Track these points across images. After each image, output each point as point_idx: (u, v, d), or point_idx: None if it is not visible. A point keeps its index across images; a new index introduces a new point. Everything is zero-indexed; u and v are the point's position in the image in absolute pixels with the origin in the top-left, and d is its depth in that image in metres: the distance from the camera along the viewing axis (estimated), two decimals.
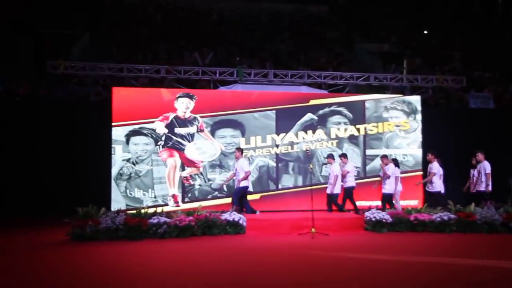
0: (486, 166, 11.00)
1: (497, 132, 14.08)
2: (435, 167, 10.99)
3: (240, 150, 11.10)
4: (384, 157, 11.42)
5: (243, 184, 10.74)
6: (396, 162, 11.39)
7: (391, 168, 11.07)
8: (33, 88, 13.61)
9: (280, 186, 12.10)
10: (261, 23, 21.29)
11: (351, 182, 11.24)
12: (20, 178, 11.97)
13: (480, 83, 16.97)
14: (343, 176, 11.17)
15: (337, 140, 12.52)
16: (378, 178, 11.88)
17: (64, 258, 7.54)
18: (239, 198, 10.82)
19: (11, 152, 12.07)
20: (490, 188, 10.91)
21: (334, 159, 11.34)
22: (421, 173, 12.58)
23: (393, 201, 11.15)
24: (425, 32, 22.32)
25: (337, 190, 11.08)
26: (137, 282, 5.95)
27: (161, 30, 19.16)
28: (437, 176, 10.97)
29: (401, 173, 11.77)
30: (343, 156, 11.50)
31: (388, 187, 11.05)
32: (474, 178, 11.24)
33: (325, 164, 12.32)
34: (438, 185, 11.02)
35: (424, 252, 7.97)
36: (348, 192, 11.19)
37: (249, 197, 11.31)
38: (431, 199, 11.01)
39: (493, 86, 16.82)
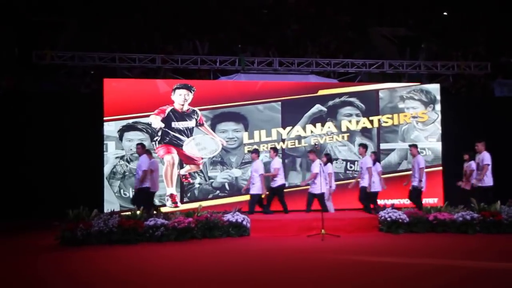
0: (485, 157, 10.83)
1: None
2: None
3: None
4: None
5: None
6: (329, 157, 11.55)
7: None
8: (17, 80, 13.69)
9: (287, 184, 12.14)
10: (265, 7, 21.25)
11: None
12: (5, 178, 12.08)
13: (508, 69, 16.88)
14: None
15: (348, 134, 12.56)
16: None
17: (53, 264, 7.63)
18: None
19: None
20: (491, 182, 10.76)
21: (317, 156, 11.33)
22: (440, 168, 12.61)
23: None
24: (445, 13, 22.21)
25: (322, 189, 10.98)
26: None
27: (156, 15, 19.17)
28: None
29: None
30: (326, 155, 11.61)
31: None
32: (474, 171, 11.05)
33: (336, 159, 12.38)
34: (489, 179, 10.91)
35: (444, 255, 7.99)
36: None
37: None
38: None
39: None
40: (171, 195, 11.82)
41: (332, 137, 12.52)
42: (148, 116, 11.86)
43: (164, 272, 6.98)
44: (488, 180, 10.71)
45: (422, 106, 12.88)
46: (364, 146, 11.48)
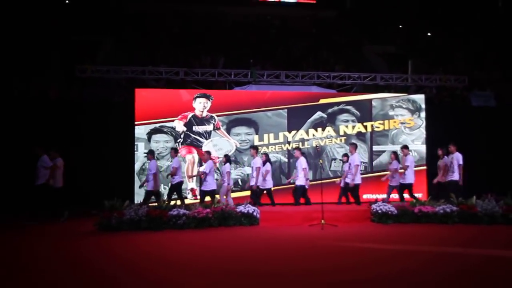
0: (458, 158, 10.89)
1: (498, 129, 13.93)
2: (356, 159, 11.15)
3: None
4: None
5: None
6: (228, 158, 11.20)
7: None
8: (62, 91, 13.78)
9: (292, 181, 12.08)
10: (273, 27, 21.26)
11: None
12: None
13: (482, 82, 16.74)
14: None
15: (345, 137, 12.49)
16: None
17: (93, 246, 7.72)
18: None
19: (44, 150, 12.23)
20: (460, 179, 10.80)
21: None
22: (425, 167, 12.54)
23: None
24: (429, 34, 22.08)
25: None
26: (157, 268, 6.05)
27: (180, 35, 19.24)
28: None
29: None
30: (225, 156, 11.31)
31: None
32: (445, 168, 11.07)
33: (334, 159, 12.34)
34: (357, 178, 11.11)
35: (427, 242, 7.94)
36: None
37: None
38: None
39: (494, 85, 16.57)
40: (192, 189, 11.83)
41: (331, 140, 12.47)
42: (172, 121, 11.89)
43: (185, 254, 6.99)
44: (456, 175, 10.79)
45: (409, 114, 12.79)
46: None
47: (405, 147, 11.47)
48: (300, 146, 12.18)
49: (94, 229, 8.98)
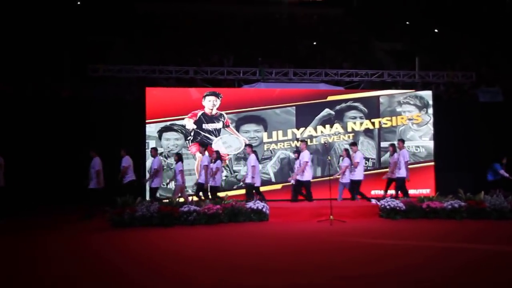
0: (405, 154, 10.77)
1: (505, 124, 13.77)
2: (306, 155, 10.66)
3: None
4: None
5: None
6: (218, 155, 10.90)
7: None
8: (74, 90, 13.87)
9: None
10: (281, 26, 21.20)
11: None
12: (67, 171, 12.17)
13: (490, 79, 16.56)
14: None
15: (353, 134, 12.43)
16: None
17: (106, 241, 7.78)
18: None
19: (57, 149, 12.33)
20: (405, 174, 10.71)
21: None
22: (433, 163, 12.44)
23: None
24: (436, 30, 21.88)
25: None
26: (168, 263, 6.07)
27: (190, 34, 19.27)
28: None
29: (415, 163, 11.77)
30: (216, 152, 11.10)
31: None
32: (395, 164, 10.93)
33: (341, 156, 12.27)
34: (307, 174, 10.64)
35: (435, 238, 7.88)
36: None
37: (271, 187, 11.36)
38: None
39: (502, 81, 16.38)
40: None
41: (339, 137, 12.41)
42: (182, 119, 11.91)
43: (195, 249, 6.99)
44: (402, 172, 10.70)
45: (416, 110, 12.69)
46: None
47: (353, 144, 11.23)
48: (309, 143, 12.15)
49: (107, 225, 9.03)
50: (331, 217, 9.23)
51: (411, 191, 11.92)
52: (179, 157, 10.66)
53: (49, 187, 12.00)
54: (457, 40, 20.24)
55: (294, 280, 5.27)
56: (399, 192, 10.77)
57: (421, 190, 12.04)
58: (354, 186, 10.89)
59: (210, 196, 10.48)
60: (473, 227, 8.99)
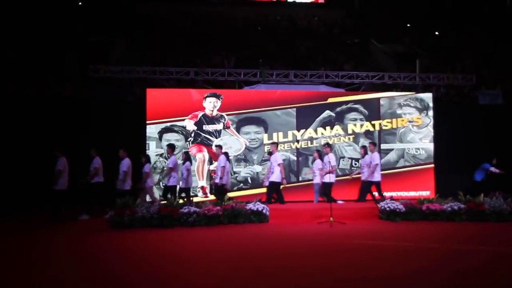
0: (375, 157, 10.85)
1: (505, 126, 13.76)
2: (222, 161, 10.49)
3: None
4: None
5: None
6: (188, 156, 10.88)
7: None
8: (76, 90, 13.86)
9: (300, 178, 12.08)
10: (282, 27, 21.17)
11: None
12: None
13: (490, 81, 16.53)
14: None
15: (353, 136, 12.42)
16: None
17: (105, 242, 7.78)
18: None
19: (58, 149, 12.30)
20: (379, 177, 10.82)
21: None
22: (433, 165, 12.42)
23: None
24: (437, 33, 21.86)
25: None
26: (168, 265, 6.05)
27: (190, 36, 19.26)
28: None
29: (415, 165, 11.78)
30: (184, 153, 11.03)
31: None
32: (367, 167, 10.98)
33: (342, 158, 12.27)
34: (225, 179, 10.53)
35: (435, 240, 7.88)
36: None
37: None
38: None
39: (502, 83, 16.36)
40: (202, 187, 11.83)
41: (340, 139, 12.39)
42: (183, 120, 11.89)
43: (195, 251, 6.98)
44: (377, 176, 10.80)
45: (417, 112, 12.67)
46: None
47: (327, 144, 11.09)
48: (309, 145, 12.17)
49: (107, 226, 9.01)
50: (331, 219, 9.22)
51: (411, 193, 11.98)
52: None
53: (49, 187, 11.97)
54: (458, 42, 20.21)
55: (295, 282, 5.25)
56: (367, 194, 10.86)
57: (421, 192, 12.02)
58: (327, 188, 10.74)
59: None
60: (473, 229, 8.99)
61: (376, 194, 11.02)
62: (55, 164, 10.09)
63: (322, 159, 10.99)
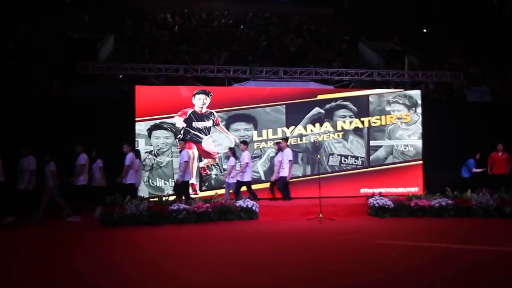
0: (288, 154, 11.02)
1: (493, 124, 13.92)
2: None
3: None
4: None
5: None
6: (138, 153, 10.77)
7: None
8: (63, 88, 13.72)
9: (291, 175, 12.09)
10: (271, 24, 21.18)
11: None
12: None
13: (477, 78, 16.72)
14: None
15: (342, 132, 12.48)
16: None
17: (94, 239, 7.77)
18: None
19: (49, 147, 12.17)
20: (289, 174, 10.99)
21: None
22: (421, 162, 12.54)
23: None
24: (425, 30, 22.04)
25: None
26: (157, 262, 6.04)
27: (179, 32, 19.19)
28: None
29: (403, 162, 11.92)
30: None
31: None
32: (277, 164, 11.13)
33: (332, 154, 12.33)
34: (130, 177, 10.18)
35: (423, 236, 7.96)
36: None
37: (261, 186, 11.40)
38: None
39: (489, 80, 16.55)
40: (192, 184, 11.79)
41: (329, 135, 12.45)
42: (172, 117, 11.86)
43: (184, 248, 6.99)
44: (285, 171, 10.94)
45: (405, 109, 12.77)
46: (245, 143, 11.05)
47: (243, 142, 11.12)
48: (299, 142, 12.21)
49: (97, 223, 8.97)
50: (320, 215, 9.28)
51: (400, 189, 12.07)
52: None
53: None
54: (446, 40, 20.39)
55: (285, 279, 5.28)
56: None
57: (410, 189, 12.11)
58: (241, 186, 10.69)
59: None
60: (459, 225, 9.11)
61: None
62: (45, 164, 10.10)
63: (236, 157, 10.91)
